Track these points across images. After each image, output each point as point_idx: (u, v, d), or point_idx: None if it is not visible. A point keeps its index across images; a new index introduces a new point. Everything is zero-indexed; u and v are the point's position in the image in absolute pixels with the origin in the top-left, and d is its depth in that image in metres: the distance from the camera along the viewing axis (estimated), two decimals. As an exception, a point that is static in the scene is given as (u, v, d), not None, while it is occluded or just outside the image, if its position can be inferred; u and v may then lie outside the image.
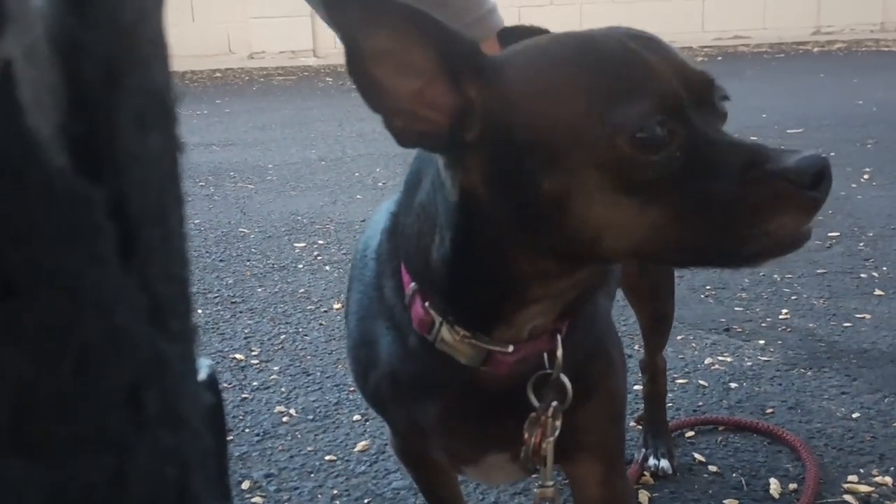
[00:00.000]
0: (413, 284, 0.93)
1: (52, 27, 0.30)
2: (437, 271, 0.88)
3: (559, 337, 0.93)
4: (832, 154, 4.26)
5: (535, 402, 0.94)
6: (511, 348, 0.91)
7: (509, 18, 1.32)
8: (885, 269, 2.72)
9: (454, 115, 0.80)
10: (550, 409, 0.94)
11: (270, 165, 4.60)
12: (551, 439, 0.95)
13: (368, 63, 0.77)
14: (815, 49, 9.04)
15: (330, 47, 9.02)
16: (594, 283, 0.93)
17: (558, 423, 0.95)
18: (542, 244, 0.82)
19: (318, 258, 3.03)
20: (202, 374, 0.47)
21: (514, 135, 0.79)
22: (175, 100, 0.37)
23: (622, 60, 0.78)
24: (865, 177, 3.83)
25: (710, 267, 0.85)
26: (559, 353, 0.93)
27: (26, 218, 0.30)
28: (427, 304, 0.91)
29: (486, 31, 1.19)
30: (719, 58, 8.52)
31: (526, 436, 0.95)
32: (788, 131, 4.87)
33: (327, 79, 8.17)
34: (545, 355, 0.94)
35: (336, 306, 2.56)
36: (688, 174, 0.76)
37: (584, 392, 0.97)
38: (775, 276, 2.68)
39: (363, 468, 1.71)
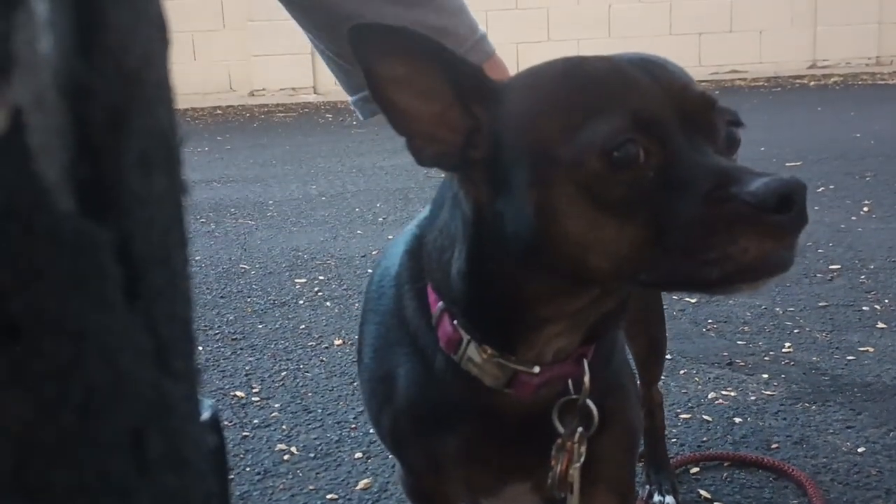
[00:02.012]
0: (441, 304, 0.94)
1: (60, 72, 0.30)
2: (456, 286, 0.91)
3: (586, 362, 0.93)
4: (831, 186, 4.27)
5: (561, 428, 0.94)
6: (537, 369, 0.91)
7: (507, 55, 1.34)
8: (886, 301, 2.71)
9: (465, 135, 0.85)
10: (577, 435, 0.94)
11: (271, 201, 4.61)
12: (577, 465, 0.95)
13: (389, 89, 0.82)
14: (812, 83, 9.11)
15: (330, 84, 9.08)
16: (615, 307, 0.92)
17: (584, 448, 0.95)
18: (540, 260, 0.83)
19: (319, 294, 3.03)
20: (205, 415, 0.47)
21: (505, 151, 0.83)
22: (179, 142, 0.37)
23: (603, 80, 0.80)
24: (865, 209, 3.84)
25: (688, 291, 0.85)
26: (586, 378, 0.93)
27: (32, 262, 0.30)
28: (455, 322, 0.92)
29: (481, 57, 1.25)
30: (717, 92, 8.57)
31: (553, 462, 0.95)
32: (787, 164, 4.89)
33: (327, 115, 8.23)
34: (569, 381, 0.94)
35: (337, 342, 2.55)
36: (661, 194, 0.76)
37: (602, 423, 0.97)
38: (777, 308, 2.68)
39: (365, 507, 1.70)
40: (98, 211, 0.32)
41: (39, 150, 0.29)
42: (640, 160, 0.76)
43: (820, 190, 4.22)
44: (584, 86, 0.80)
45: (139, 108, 0.34)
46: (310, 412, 2.11)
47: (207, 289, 3.12)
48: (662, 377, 1.79)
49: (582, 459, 0.95)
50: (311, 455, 1.90)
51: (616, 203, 0.76)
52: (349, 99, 1.36)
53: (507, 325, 0.90)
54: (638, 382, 1.74)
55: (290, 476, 1.82)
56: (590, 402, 0.94)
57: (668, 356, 1.92)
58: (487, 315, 0.91)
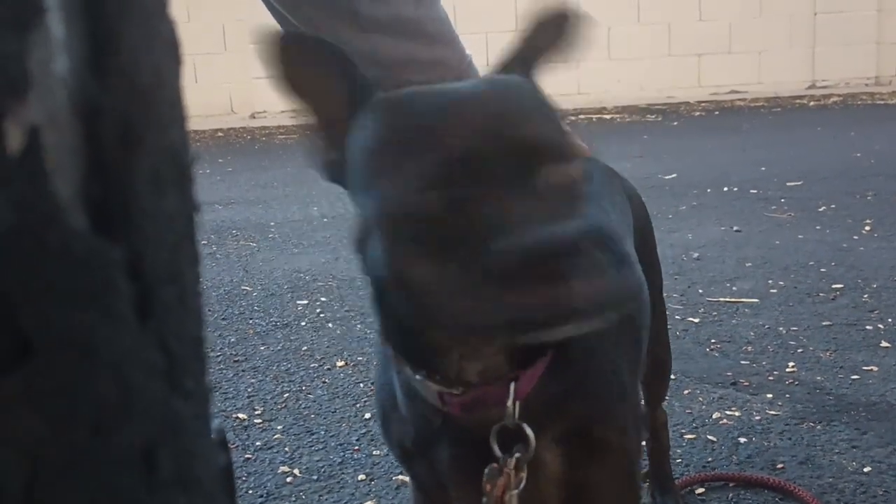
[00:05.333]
0: None
1: (73, 91, 0.31)
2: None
3: (512, 385, 0.91)
4: (832, 206, 4.28)
5: (498, 452, 0.93)
6: (458, 391, 0.90)
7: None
8: (890, 320, 2.70)
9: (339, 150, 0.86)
10: (512, 461, 0.92)
11: (272, 223, 4.62)
12: (515, 492, 0.93)
13: (295, 92, 0.84)
14: (811, 103, 9.15)
15: (331, 106, 9.12)
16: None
17: (523, 474, 0.92)
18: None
19: (321, 315, 3.03)
20: (212, 433, 0.47)
21: (349, 175, 0.85)
22: (191, 161, 0.37)
23: (421, 119, 0.79)
24: (867, 229, 3.84)
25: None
26: (509, 402, 0.91)
27: (44, 280, 0.30)
28: None
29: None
30: (717, 112, 8.61)
31: (488, 487, 0.93)
32: (788, 184, 4.90)
33: (329, 137, 8.25)
34: (514, 404, 0.92)
35: (340, 364, 2.55)
36: None
37: (592, 453, 0.96)
38: (780, 328, 2.67)
39: (369, 529, 1.69)
40: (110, 228, 0.32)
41: (54, 169, 0.29)
42: (436, 210, 0.74)
43: (821, 209, 4.23)
44: (404, 125, 0.79)
45: (151, 127, 0.34)
46: (312, 434, 2.11)
47: (209, 311, 3.12)
48: (666, 397, 1.78)
49: (522, 485, 0.92)
50: (315, 477, 1.89)
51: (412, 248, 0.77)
52: None
53: (414, 345, 0.90)
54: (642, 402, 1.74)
55: (293, 499, 1.81)
56: (526, 427, 0.92)
57: (672, 376, 1.91)
58: (398, 334, 0.91)
